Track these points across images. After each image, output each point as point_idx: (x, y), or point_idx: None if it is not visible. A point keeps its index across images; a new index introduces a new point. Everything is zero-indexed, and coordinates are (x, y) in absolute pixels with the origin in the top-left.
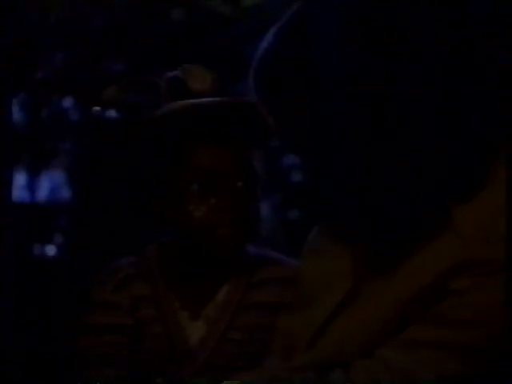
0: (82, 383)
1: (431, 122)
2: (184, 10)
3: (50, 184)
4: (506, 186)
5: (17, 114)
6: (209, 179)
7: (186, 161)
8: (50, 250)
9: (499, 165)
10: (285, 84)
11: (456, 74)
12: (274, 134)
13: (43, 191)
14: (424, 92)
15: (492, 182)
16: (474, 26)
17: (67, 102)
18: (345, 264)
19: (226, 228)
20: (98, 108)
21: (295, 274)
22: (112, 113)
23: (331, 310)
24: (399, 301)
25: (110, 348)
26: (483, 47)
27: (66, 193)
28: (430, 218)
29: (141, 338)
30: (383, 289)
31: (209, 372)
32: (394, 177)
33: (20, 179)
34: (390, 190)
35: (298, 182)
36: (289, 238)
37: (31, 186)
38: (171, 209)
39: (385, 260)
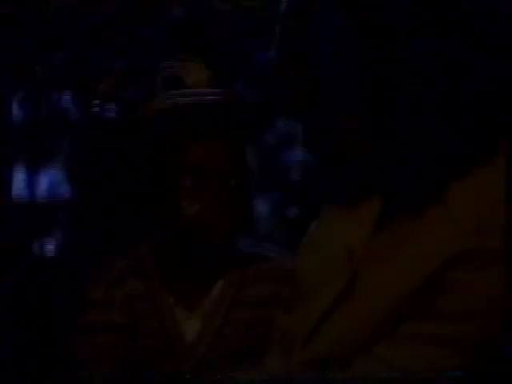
0: (79, 382)
1: (431, 113)
2: (183, 7)
3: (50, 181)
4: (505, 182)
5: (16, 111)
6: (202, 175)
7: (180, 156)
8: (50, 247)
9: (498, 156)
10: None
11: (457, 69)
12: (269, 130)
13: (42, 188)
14: (424, 82)
15: (490, 173)
16: (474, 23)
17: (66, 99)
18: (343, 259)
19: (220, 224)
20: (96, 104)
21: (292, 269)
22: (110, 109)
23: (329, 304)
24: (397, 295)
25: (106, 346)
26: (484, 43)
27: (65, 190)
28: (428, 209)
29: (136, 335)
30: (381, 283)
31: (206, 367)
32: (393, 167)
33: (19, 176)
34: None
35: (297, 180)
36: (287, 236)
37: (30, 183)
38: (164, 205)
39: (384, 249)
